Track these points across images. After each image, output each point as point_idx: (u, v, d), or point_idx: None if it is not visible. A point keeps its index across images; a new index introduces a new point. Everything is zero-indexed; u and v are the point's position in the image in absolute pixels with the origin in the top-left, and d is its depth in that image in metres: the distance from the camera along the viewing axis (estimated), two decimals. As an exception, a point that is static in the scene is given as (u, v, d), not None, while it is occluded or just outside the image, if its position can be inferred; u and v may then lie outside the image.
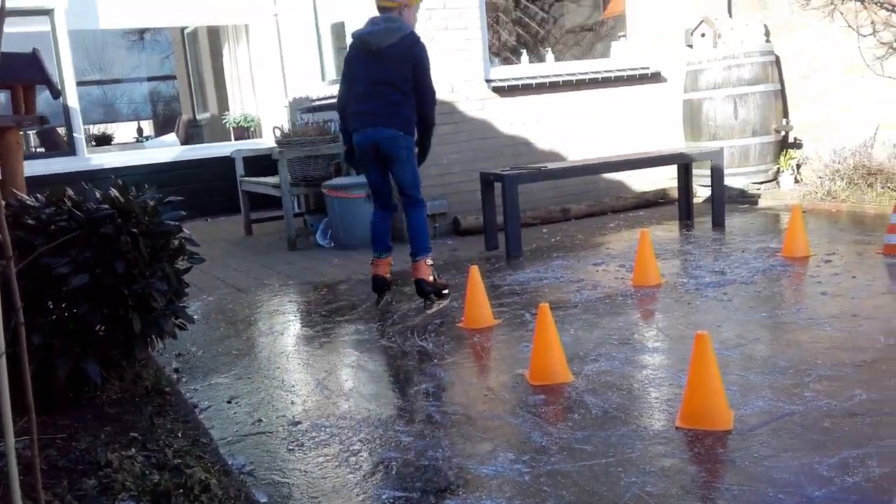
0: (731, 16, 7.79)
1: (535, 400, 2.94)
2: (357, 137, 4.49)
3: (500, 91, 6.92)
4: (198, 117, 12.33)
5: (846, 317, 3.62)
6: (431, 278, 4.54)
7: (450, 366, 3.41)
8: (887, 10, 6.58)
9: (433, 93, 4.51)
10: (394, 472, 2.44)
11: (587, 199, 7.32)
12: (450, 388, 3.14)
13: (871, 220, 5.88)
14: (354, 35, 4.52)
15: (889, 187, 6.33)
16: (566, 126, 7.29)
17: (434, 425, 2.78)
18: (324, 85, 8.23)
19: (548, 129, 7.21)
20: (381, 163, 4.54)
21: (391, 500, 2.26)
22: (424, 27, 6.57)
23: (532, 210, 7.01)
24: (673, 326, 3.74)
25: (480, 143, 6.89)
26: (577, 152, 7.31)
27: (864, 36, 6.84)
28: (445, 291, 4.60)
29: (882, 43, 6.71)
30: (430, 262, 4.57)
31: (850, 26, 6.92)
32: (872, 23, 6.74)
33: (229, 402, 3.20)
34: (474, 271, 3.98)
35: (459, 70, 6.73)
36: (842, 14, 6.97)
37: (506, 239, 5.61)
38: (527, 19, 9.91)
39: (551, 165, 6.03)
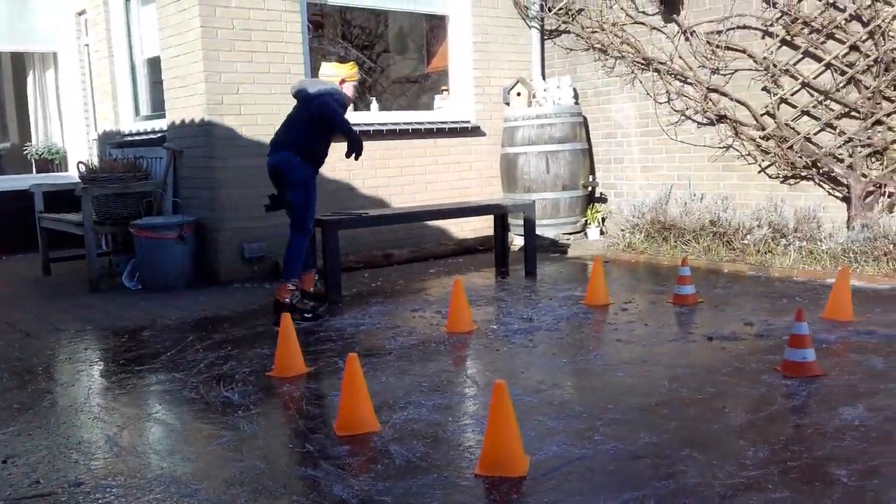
0: (544, 78, 8.30)
1: (339, 451, 2.90)
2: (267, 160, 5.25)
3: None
4: (-4, 146, 11.33)
5: (637, 363, 3.88)
6: (287, 300, 5.01)
7: (254, 417, 3.30)
8: (680, 81, 7.27)
9: (335, 120, 5.09)
10: (183, 534, 2.30)
11: (410, 245, 7.44)
12: (251, 441, 3.03)
13: (665, 270, 6.38)
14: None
15: (681, 241, 6.92)
16: (390, 174, 7.40)
17: (231, 482, 2.66)
18: (137, 120, 7.86)
19: (372, 175, 7.28)
20: (279, 185, 5.21)
21: (176, 565, 2.13)
22: (247, 69, 6.48)
23: (355, 254, 7.01)
24: (481, 373, 3.85)
25: (303, 186, 6.83)
26: (400, 199, 7.43)
27: (660, 103, 7.51)
28: (308, 315, 5.03)
29: (675, 110, 7.40)
30: (291, 286, 5.06)
31: (648, 94, 7.58)
32: (667, 91, 7.42)
33: (5, 461, 2.91)
34: (286, 318, 3.90)
35: (283, 113, 6.63)
36: (641, 83, 7.63)
37: (326, 284, 5.55)
38: (354, 67, 10.03)
39: (373, 212, 6.08)
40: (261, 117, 6.58)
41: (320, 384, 3.74)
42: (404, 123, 7.47)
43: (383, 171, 7.35)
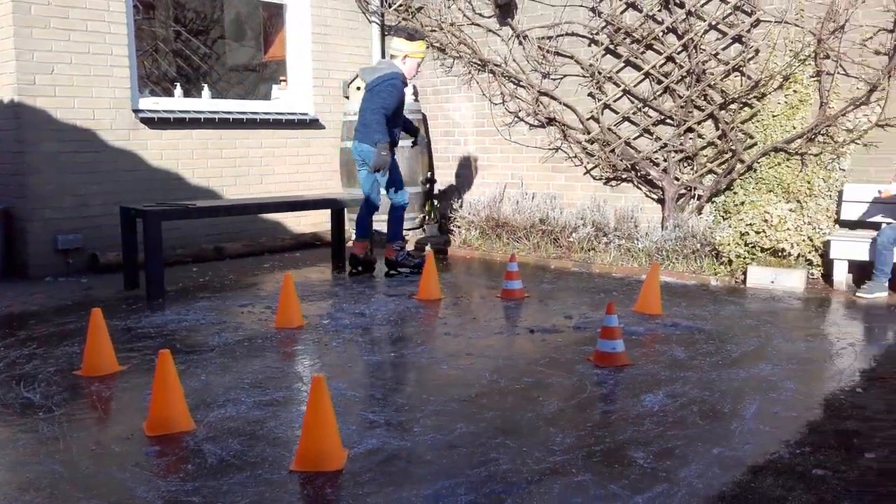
0: (384, 72, 8.31)
1: (148, 452, 2.77)
2: None
3: (150, 122, 6.58)
4: None
5: (462, 355, 3.97)
6: (394, 258, 6.12)
7: (57, 419, 3.08)
8: (514, 83, 7.51)
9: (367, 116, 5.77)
10: (-40, 548, 2.11)
11: (244, 239, 7.23)
12: (51, 444, 2.83)
13: (498, 266, 6.58)
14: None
15: (513, 238, 7.16)
16: (222, 164, 7.15)
17: (25, 487, 2.47)
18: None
19: (203, 165, 7.01)
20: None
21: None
22: (63, 48, 6.04)
23: (184, 248, 6.73)
24: (308, 368, 3.80)
25: (127, 175, 6.47)
26: (234, 191, 7.20)
27: (496, 104, 7.73)
28: (416, 264, 6.07)
29: (509, 112, 7.64)
30: (396, 247, 6.13)
31: (484, 94, 7.78)
32: (502, 93, 7.65)
33: None
34: (96, 314, 3.67)
35: (103, 96, 6.28)
36: (478, 83, 7.82)
37: (146, 278, 5.28)
38: (188, 52, 9.61)
39: (202, 203, 5.84)
40: (78, 100, 6.15)
41: (132, 383, 3.55)
42: (238, 112, 7.25)
43: (216, 162, 7.09)
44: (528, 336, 4.35)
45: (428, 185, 8.08)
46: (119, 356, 3.80)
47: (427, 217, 8.10)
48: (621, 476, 2.53)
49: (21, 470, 2.62)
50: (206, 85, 7.77)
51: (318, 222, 7.83)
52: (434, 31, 7.97)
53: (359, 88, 7.98)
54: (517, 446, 2.79)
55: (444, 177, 8.29)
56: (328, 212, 7.39)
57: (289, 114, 7.64)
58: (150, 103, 6.70)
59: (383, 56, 8.40)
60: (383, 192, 6.05)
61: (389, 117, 5.67)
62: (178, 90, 7.30)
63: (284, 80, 8.02)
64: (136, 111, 6.49)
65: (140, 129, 6.53)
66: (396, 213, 6.15)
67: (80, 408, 3.24)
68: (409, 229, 7.92)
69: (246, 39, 9.98)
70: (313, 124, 7.84)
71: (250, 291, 5.60)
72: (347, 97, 8.02)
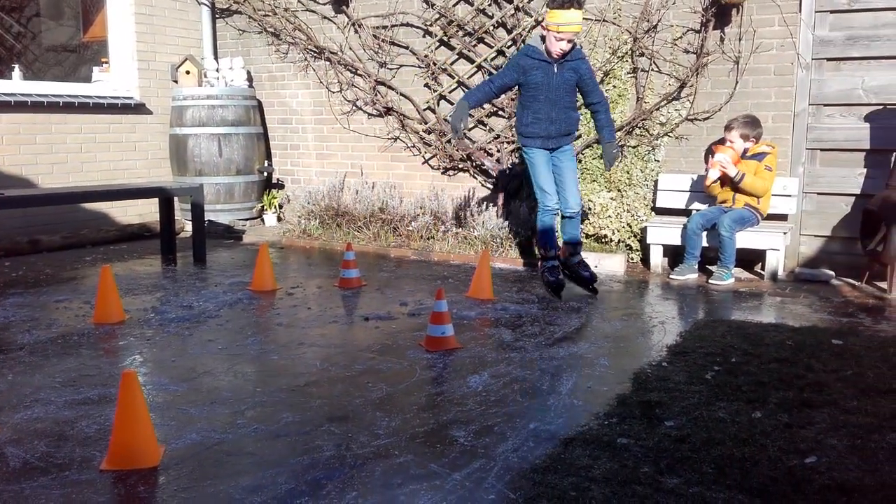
0: (216, 58, 8.04)
1: (-62, 460, 2.54)
2: None
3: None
4: None
5: (294, 345, 3.93)
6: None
7: None
8: (351, 72, 7.48)
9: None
10: None
11: (64, 230, 6.77)
12: None
13: (337, 256, 6.54)
14: None
15: (353, 227, 7.15)
16: (37, 150, 6.65)
17: None
18: None
19: (14, 152, 6.49)
20: None
21: None
22: None
23: (-7, 241, 6.21)
24: (127, 365, 3.62)
25: (-78, 161, 5.88)
26: (50, 180, 6.72)
27: (333, 92, 7.67)
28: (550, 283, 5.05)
29: (347, 100, 7.61)
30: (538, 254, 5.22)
31: (321, 82, 7.70)
32: (339, 81, 7.60)
33: None
34: None
35: None
36: (314, 70, 7.72)
37: (-53, 274, 4.84)
38: (0, 30, 8.84)
39: (12, 192, 5.41)
40: None
41: (-75, 387, 3.24)
42: (53, 95, 6.76)
43: (28, 148, 6.59)
44: (363, 324, 4.36)
45: (265, 175, 7.91)
46: None
47: (265, 206, 7.93)
48: (442, 455, 2.60)
49: None
50: (17, 65, 7.18)
51: (145, 212, 7.47)
52: (267, 15, 7.78)
53: (188, 72, 7.67)
54: (342, 432, 2.80)
55: (283, 165, 8.14)
56: (157, 201, 7.08)
57: (111, 97, 7.21)
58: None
59: (214, 39, 8.13)
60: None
61: (495, 91, 4.83)
62: (-16, 70, 6.71)
63: (106, 62, 7.57)
64: (-68, 91, 5.90)
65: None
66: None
67: None
68: (247, 220, 7.73)
69: (64, 18, 9.30)
70: (139, 109, 7.45)
71: (68, 286, 5.26)
72: (176, 81, 7.68)
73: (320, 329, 4.25)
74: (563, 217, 4.95)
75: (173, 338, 4.05)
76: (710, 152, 5.92)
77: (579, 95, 4.89)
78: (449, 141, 6.98)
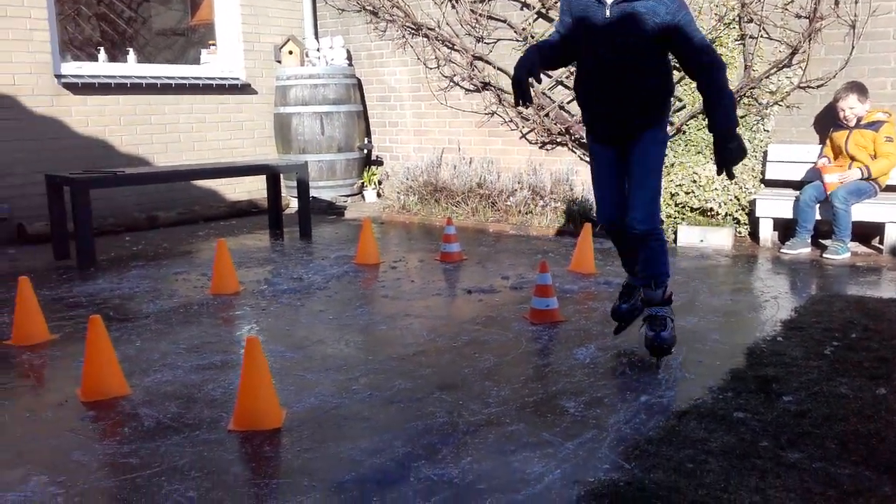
0: (317, 37, 8.20)
1: (83, 418, 2.74)
2: None
3: (73, 88, 6.37)
4: None
5: (400, 316, 4.01)
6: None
7: (-14, 389, 3.02)
8: (448, 48, 7.50)
9: None
10: None
11: (178, 207, 7.09)
12: (-19, 414, 2.78)
13: (436, 231, 6.62)
14: None
15: (451, 203, 7.21)
16: (152, 130, 6.98)
17: (-48, 457, 2.43)
18: None
19: (132, 132, 6.83)
20: None
21: None
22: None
23: (115, 217, 6.58)
24: (243, 332, 3.79)
25: (51, 142, 6.27)
26: (164, 158, 7.05)
27: (431, 69, 7.71)
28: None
29: (444, 76, 7.64)
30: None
31: (418, 59, 7.75)
32: (436, 58, 7.63)
33: None
34: (23, 282, 3.59)
35: (22, 61, 6.04)
36: (412, 47, 7.78)
37: (77, 247, 5.16)
38: (112, 16, 9.28)
39: (130, 171, 5.71)
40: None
41: (65, 351, 3.49)
42: (166, 77, 7.06)
43: (144, 128, 6.92)
44: (466, 297, 4.41)
45: (365, 152, 8.05)
46: (51, 325, 3.73)
47: (365, 183, 8.08)
48: (553, 424, 2.62)
49: (-51, 440, 2.57)
50: (131, 49, 7.54)
51: (253, 190, 7.74)
52: (367, -7, 7.88)
53: (290, 53, 7.87)
54: (453, 400, 2.85)
55: (381, 142, 8.26)
56: (264, 178, 7.32)
57: (219, 79, 7.48)
58: (72, 68, 6.47)
59: (315, 19, 8.29)
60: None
61: (544, 51, 3.09)
62: (103, 55, 7.06)
63: (213, 45, 7.84)
64: (58, 76, 6.27)
65: (63, 95, 6.31)
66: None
67: (11, 377, 3.18)
68: (348, 196, 7.91)
69: (172, 2, 9.68)
70: (245, 89, 7.70)
71: (185, 259, 5.52)
72: (279, 61, 7.89)
73: (424, 301, 4.32)
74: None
75: (286, 308, 4.20)
76: (822, 129, 5.66)
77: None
78: (547, 115, 6.92)
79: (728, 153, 2.81)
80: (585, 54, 3.06)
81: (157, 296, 4.46)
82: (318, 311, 4.13)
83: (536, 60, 3.01)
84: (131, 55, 7.33)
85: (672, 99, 3.19)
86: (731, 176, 2.87)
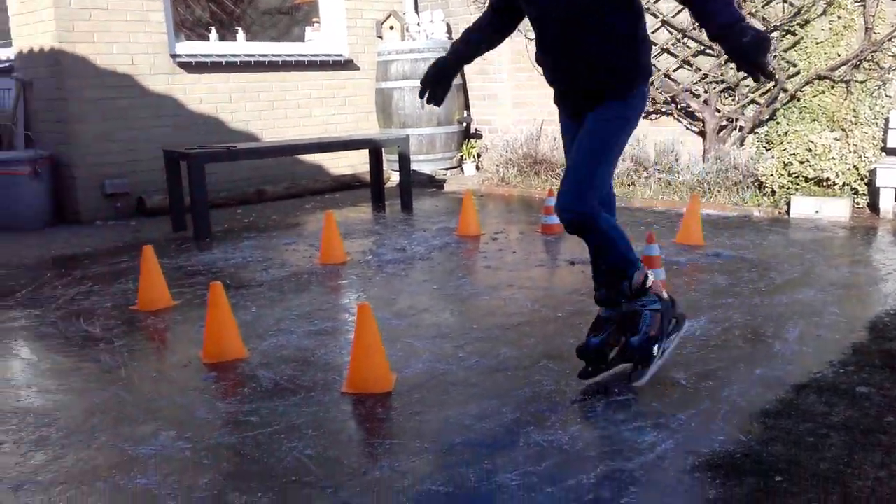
0: (417, 11, 8.23)
1: (205, 378, 2.89)
2: None
3: (187, 67, 6.63)
4: None
5: (503, 287, 4.03)
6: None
7: (117, 350, 3.22)
8: (549, 17, 7.38)
9: None
10: (40, 462, 2.25)
11: (285, 181, 7.31)
12: (114, 373, 2.97)
13: (536, 203, 6.58)
14: None
15: (551, 175, 7.14)
16: (260, 107, 7.20)
17: (91, 411, 2.61)
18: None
19: (241, 108, 7.06)
20: None
21: (33, 491, 2.09)
22: (101, -9, 6.09)
23: (227, 191, 6.84)
24: (353, 300, 3.89)
25: (168, 119, 6.56)
26: (272, 133, 7.26)
27: (531, 40, 7.60)
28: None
29: (545, 46, 7.52)
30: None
31: (519, 30, 7.64)
32: (537, 28, 7.52)
33: None
34: (147, 251, 3.79)
35: (140, 42, 6.33)
36: (513, 18, 7.68)
37: (193, 219, 5.41)
38: (221, -4, 9.58)
39: (241, 145, 5.92)
40: (117, 46, 6.21)
41: (187, 316, 3.68)
42: (273, 55, 7.25)
43: (253, 105, 7.14)
44: (569, 268, 4.38)
45: (464, 125, 8.06)
46: (171, 292, 3.92)
47: (464, 156, 8.10)
48: (664, 395, 2.58)
49: (87, 395, 2.76)
50: (240, 28, 7.77)
51: (356, 163, 7.88)
52: (468, -35, 7.83)
53: (391, 28, 7.93)
54: (560, 369, 2.85)
55: (480, 115, 8.24)
56: (365, 153, 7.44)
57: (323, 55, 7.62)
58: (186, 48, 6.73)
59: (416, -6, 8.30)
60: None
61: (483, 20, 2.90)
62: (214, 34, 7.31)
63: (317, 22, 7.99)
64: (173, 56, 6.54)
65: (178, 74, 6.59)
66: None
67: (138, 339, 3.38)
68: (448, 169, 7.95)
69: (278, -18, 9.90)
70: (348, 65, 7.82)
71: (294, 231, 5.70)
72: (381, 37, 7.97)
73: (527, 272, 4.32)
74: None
75: (391, 278, 4.29)
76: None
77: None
78: (651, 83, 6.73)
79: (747, 48, 2.10)
80: (532, 19, 2.65)
81: (269, 265, 4.63)
82: (422, 281, 4.19)
83: (461, 54, 2.81)
84: (241, 34, 7.56)
85: (651, 69, 2.64)
86: (768, 75, 2.18)
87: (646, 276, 2.61)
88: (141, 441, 2.38)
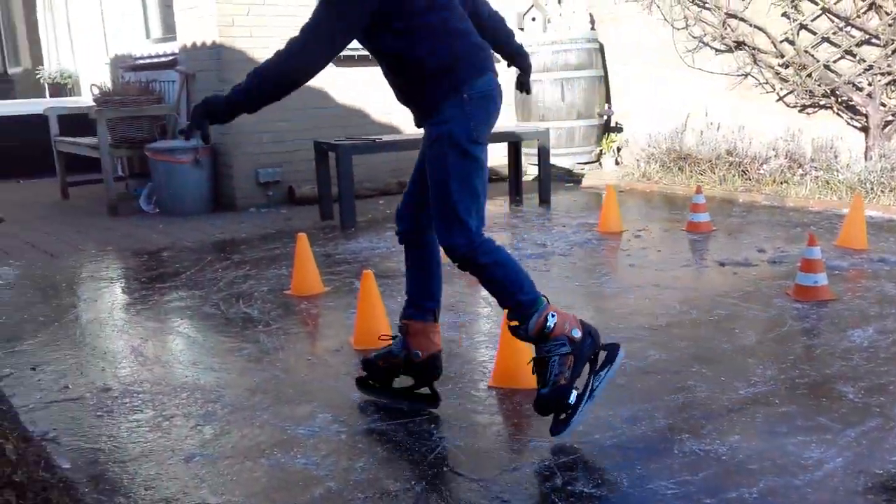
0: (560, 2, 8.13)
1: (357, 364, 2.98)
2: (489, 81, 2.42)
3: (336, 60, 6.82)
4: (8, 71, 11.31)
5: (648, 286, 3.92)
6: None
7: (274, 332, 3.39)
8: (698, 6, 7.11)
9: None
10: (208, 436, 2.40)
11: (422, 173, 7.42)
12: (272, 354, 3.12)
13: (680, 200, 6.37)
14: None
15: (696, 171, 6.89)
16: (403, 100, 7.34)
17: (253, 390, 2.75)
18: (148, 43, 7.80)
19: (382, 101, 7.23)
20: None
21: (202, 463, 2.23)
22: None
23: (370, 182, 7.03)
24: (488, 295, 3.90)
25: (317, 111, 6.81)
26: (412, 126, 7.39)
27: (678, 30, 7.36)
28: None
29: (693, 37, 7.26)
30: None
31: (665, 20, 7.43)
32: (685, 18, 7.27)
33: (33, 369, 3.01)
34: (302, 239, 3.96)
35: (293, 34, 6.58)
36: (659, 7, 7.46)
37: (340, 209, 5.60)
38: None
39: (387, 137, 6.06)
40: (273, 41, 6.48)
41: (337, 302, 3.81)
42: (418, 49, 7.37)
43: (394, 98, 7.29)
44: (718, 269, 4.21)
45: (604, 118, 7.91)
46: (322, 279, 4.08)
47: (603, 150, 7.95)
48: (829, 409, 2.44)
49: (249, 375, 2.91)
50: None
51: (492, 156, 7.87)
52: (614, -45, 7.66)
53: (533, 19, 7.88)
54: (714, 375, 2.74)
55: (622, 108, 8.05)
56: (500, 146, 7.43)
57: (466, 48, 7.67)
58: (336, 42, 6.96)
59: (560, -15, 8.20)
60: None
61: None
62: (361, 28, 7.52)
63: (461, 15, 8.04)
64: (324, 50, 6.77)
65: (328, 67, 6.81)
66: None
67: (293, 323, 3.54)
68: (586, 163, 7.83)
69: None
70: (490, 58, 7.84)
71: (433, 222, 5.78)
72: (522, 28, 7.93)
73: (673, 272, 4.19)
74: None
75: (532, 273, 4.22)
76: None
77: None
78: (809, 75, 6.35)
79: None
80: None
81: (411, 256, 4.71)
82: (564, 278, 4.15)
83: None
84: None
85: (465, 70, 2.33)
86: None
87: (546, 319, 2.32)
88: (300, 421, 2.48)
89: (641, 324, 3.34)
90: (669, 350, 3.01)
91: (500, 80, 2.47)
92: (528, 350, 2.69)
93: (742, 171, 6.55)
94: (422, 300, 2.64)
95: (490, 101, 2.39)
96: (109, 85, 7.16)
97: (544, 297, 2.40)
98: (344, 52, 6.82)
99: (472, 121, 2.33)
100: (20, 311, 3.79)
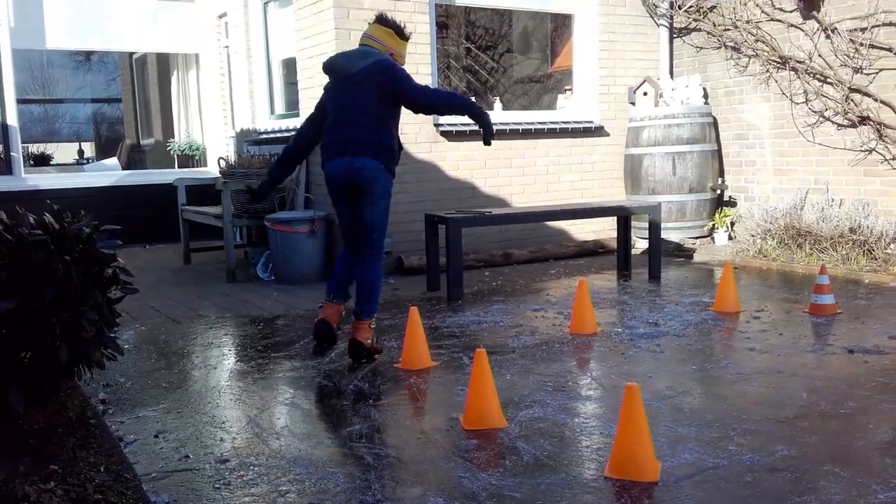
0: (672, 77, 8.10)
1: (467, 445, 2.95)
2: (330, 167, 4.12)
3: (447, 135, 7.03)
4: (142, 142, 12.14)
5: (772, 373, 3.73)
6: (369, 342, 4.09)
7: (385, 407, 3.40)
8: (819, 80, 6.93)
9: (427, 95, 4.42)
10: (322, 515, 2.41)
11: (530, 245, 7.43)
12: (383, 430, 3.13)
13: (799, 279, 6.10)
14: (325, 63, 4.40)
15: (817, 249, 6.60)
16: (511, 173, 7.42)
17: (365, 467, 2.76)
18: (272, 118, 8.22)
19: (493, 175, 7.33)
20: (353, 197, 4.17)
21: (318, 543, 2.23)
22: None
23: (475, 253, 7.08)
24: (606, 375, 3.81)
25: (427, 185, 6.96)
26: (520, 199, 7.44)
27: (797, 104, 7.18)
28: (376, 357, 4.12)
29: (813, 111, 7.05)
30: (373, 325, 4.15)
31: (783, 94, 7.26)
32: (805, 91, 7.08)
33: (156, 436, 3.12)
34: (413, 312, 4.00)
35: (410, 112, 6.80)
36: (776, 81, 7.31)
37: (447, 281, 5.64)
38: (477, 67, 10.11)
39: (496, 211, 6.12)
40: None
41: (446, 378, 3.80)
42: (527, 123, 7.48)
43: (506, 171, 7.39)
44: (847, 356, 3.97)
45: (718, 192, 7.73)
46: (430, 352, 4.09)
47: (716, 225, 7.75)
48: None
49: (360, 452, 2.92)
50: (497, 97, 8.12)
51: (599, 230, 7.83)
52: (727, 29, 7.60)
53: (645, 94, 7.87)
54: (849, 476, 2.56)
55: (736, 182, 7.86)
56: (608, 219, 7.37)
57: (574, 122, 7.73)
58: (447, 117, 7.14)
59: (671, 58, 8.19)
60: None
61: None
62: (498, 104, 7.71)
63: (570, 90, 8.13)
64: (436, 125, 6.96)
65: (439, 142, 6.99)
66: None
67: (403, 398, 3.55)
68: (697, 238, 7.64)
69: (531, 52, 10.27)
70: (598, 132, 7.86)
71: (540, 296, 5.74)
72: (633, 103, 7.93)
73: (798, 358, 3.98)
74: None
75: (645, 353, 4.15)
76: None
77: None
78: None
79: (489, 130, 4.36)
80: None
81: (519, 331, 4.68)
82: (680, 360, 4.01)
83: (275, 176, 4.71)
84: (497, 104, 7.89)
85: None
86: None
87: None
88: (411, 504, 2.46)
89: (766, 414, 3.17)
90: (798, 446, 2.84)
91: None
92: (648, 442, 2.60)
93: (867, 249, 6.22)
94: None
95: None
96: (234, 157, 7.57)
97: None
98: (456, 128, 7.01)
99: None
100: (144, 376, 3.97)
